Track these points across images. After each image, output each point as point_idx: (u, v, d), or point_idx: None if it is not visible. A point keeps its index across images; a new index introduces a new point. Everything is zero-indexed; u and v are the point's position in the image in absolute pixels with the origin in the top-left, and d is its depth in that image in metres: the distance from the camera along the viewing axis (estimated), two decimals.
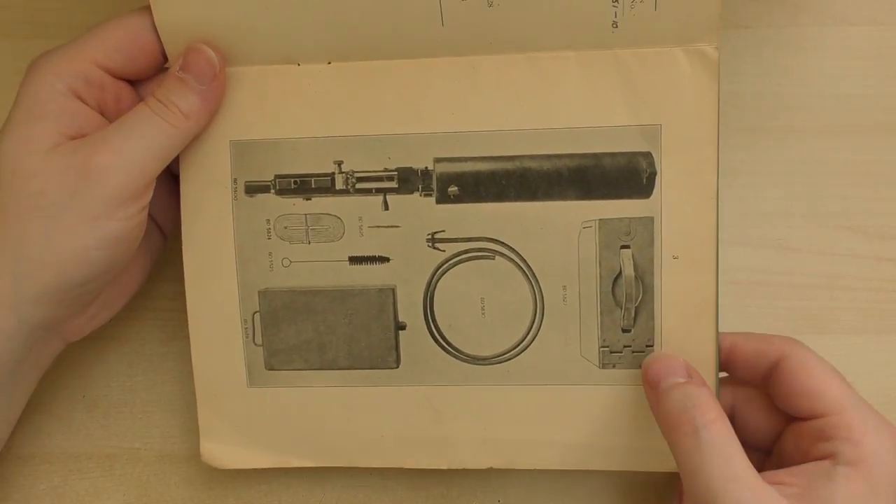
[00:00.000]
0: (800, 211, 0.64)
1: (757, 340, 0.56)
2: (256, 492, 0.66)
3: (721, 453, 0.50)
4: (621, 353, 0.57)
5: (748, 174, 0.64)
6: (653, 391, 0.55)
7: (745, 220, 0.64)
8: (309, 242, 0.58)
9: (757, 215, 0.64)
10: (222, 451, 0.61)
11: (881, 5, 0.64)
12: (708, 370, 0.56)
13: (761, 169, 0.64)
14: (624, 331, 0.57)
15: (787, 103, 0.64)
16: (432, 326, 0.58)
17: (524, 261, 0.57)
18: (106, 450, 0.66)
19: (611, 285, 0.57)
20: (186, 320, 0.60)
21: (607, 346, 0.57)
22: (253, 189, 0.58)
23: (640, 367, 0.57)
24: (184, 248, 0.59)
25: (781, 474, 0.52)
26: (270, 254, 0.58)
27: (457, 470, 0.61)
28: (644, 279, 0.56)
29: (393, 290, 0.58)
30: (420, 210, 0.57)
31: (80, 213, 0.51)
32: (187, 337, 0.61)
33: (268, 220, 0.58)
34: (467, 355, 0.58)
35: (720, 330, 0.57)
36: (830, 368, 0.54)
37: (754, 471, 0.50)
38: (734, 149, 0.63)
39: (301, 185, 0.57)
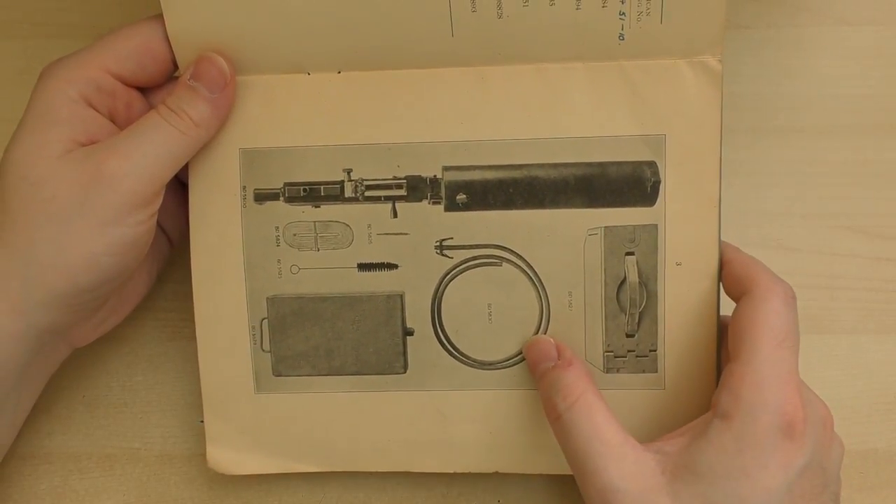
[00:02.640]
0: (800, 211, 0.67)
1: (742, 267, 0.57)
2: (256, 492, 0.68)
3: (581, 432, 0.54)
4: (625, 357, 0.60)
5: (748, 174, 0.67)
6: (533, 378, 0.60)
7: (745, 220, 0.67)
8: (318, 249, 0.61)
9: (757, 215, 0.67)
10: (229, 457, 0.64)
11: (881, 5, 0.67)
12: (708, 374, 0.60)
13: (761, 169, 0.67)
14: (628, 336, 0.60)
15: (787, 103, 0.67)
16: (440, 332, 0.61)
17: (531, 267, 0.60)
18: (106, 450, 0.69)
19: (615, 291, 0.60)
20: (186, 321, 0.63)
21: (611, 351, 0.61)
22: (262, 197, 0.61)
23: (643, 371, 0.61)
24: (192, 254, 0.61)
25: (673, 435, 0.55)
26: (279, 261, 0.61)
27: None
28: (648, 285, 0.59)
29: (401, 297, 0.61)
30: (428, 217, 0.60)
31: (91, 219, 0.54)
32: (187, 337, 0.63)
33: (276, 228, 0.61)
34: (474, 360, 0.61)
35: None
36: (776, 316, 0.54)
37: (622, 439, 0.54)
38: (734, 149, 0.66)
39: (310, 193, 0.60)
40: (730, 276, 0.58)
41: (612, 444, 0.54)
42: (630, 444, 0.54)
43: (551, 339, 0.60)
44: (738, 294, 0.57)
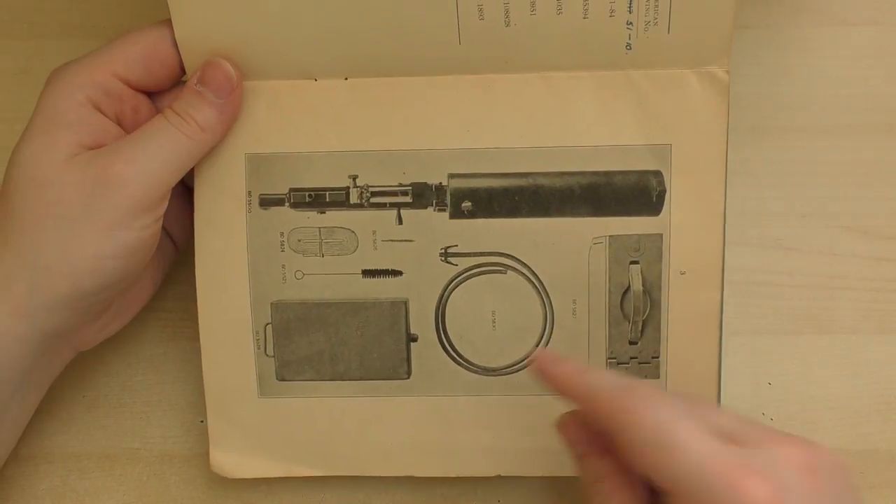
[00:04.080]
0: (800, 211, 0.67)
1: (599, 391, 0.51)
2: (256, 492, 0.68)
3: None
4: (628, 364, 0.61)
5: (748, 174, 0.67)
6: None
7: (745, 220, 0.67)
8: (322, 255, 0.61)
9: (757, 215, 0.67)
10: (232, 460, 0.64)
11: (881, 5, 0.67)
12: (710, 382, 0.61)
13: (761, 169, 0.67)
14: (631, 343, 0.61)
15: (787, 103, 0.67)
16: (444, 339, 0.62)
17: (535, 275, 0.61)
18: (106, 450, 0.69)
19: (619, 299, 0.61)
20: (187, 321, 0.64)
21: (614, 358, 0.61)
22: (267, 202, 0.61)
23: (646, 376, 0.61)
24: (196, 259, 0.62)
25: None
26: (283, 266, 0.62)
27: None
28: (652, 294, 0.60)
29: (405, 303, 0.62)
30: (433, 225, 0.61)
31: (97, 223, 0.54)
32: (188, 337, 0.64)
33: (281, 233, 0.61)
34: (478, 367, 0.62)
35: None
36: (668, 419, 0.47)
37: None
38: (734, 149, 0.65)
39: (316, 199, 0.61)
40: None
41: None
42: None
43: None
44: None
